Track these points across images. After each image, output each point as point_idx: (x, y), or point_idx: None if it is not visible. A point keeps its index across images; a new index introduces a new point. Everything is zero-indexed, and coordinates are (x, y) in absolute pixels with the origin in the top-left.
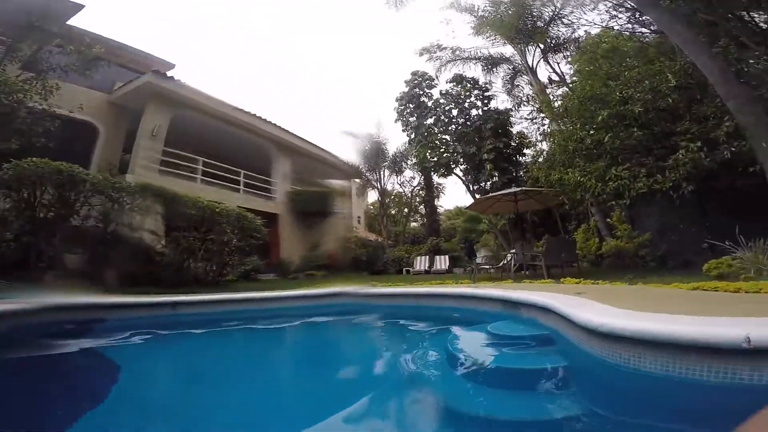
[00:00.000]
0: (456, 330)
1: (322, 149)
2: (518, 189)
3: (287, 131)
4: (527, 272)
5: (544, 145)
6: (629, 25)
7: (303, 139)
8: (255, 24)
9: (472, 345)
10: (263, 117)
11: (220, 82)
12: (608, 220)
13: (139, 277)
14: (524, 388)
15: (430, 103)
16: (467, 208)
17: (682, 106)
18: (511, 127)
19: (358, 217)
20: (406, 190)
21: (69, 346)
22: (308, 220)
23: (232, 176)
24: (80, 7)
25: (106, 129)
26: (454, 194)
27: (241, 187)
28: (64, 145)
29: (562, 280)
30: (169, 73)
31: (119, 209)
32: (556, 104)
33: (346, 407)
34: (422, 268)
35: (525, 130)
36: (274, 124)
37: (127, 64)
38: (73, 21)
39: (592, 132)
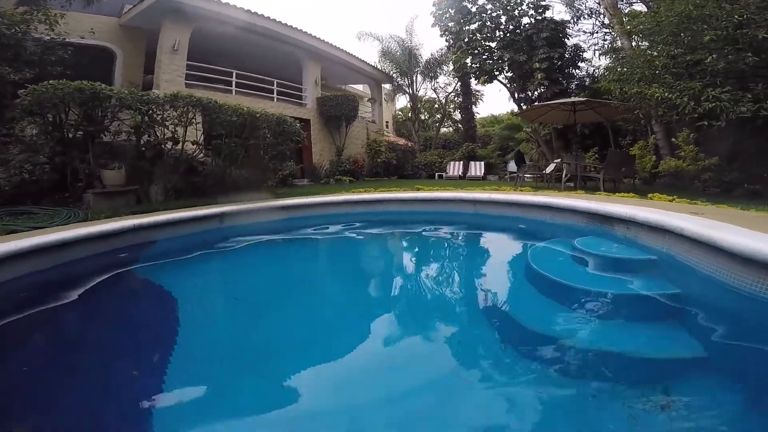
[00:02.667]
0: (534, 244)
1: (351, 54)
2: (581, 99)
3: (316, 37)
4: (577, 184)
5: (603, 60)
6: None
7: (332, 44)
8: None
9: (558, 263)
10: (292, 24)
11: None
12: (673, 139)
13: (182, 189)
14: (632, 318)
15: (474, 9)
16: (518, 113)
17: None
18: (567, 38)
19: (387, 122)
20: (440, 95)
21: (121, 274)
22: (336, 124)
23: (265, 86)
24: None
25: (123, 52)
26: (491, 104)
27: (275, 95)
28: (82, 72)
29: (649, 195)
30: None
31: (151, 121)
32: (629, 27)
33: (422, 330)
34: (456, 173)
35: (583, 44)
36: (303, 31)
37: None
38: None
39: (691, 50)
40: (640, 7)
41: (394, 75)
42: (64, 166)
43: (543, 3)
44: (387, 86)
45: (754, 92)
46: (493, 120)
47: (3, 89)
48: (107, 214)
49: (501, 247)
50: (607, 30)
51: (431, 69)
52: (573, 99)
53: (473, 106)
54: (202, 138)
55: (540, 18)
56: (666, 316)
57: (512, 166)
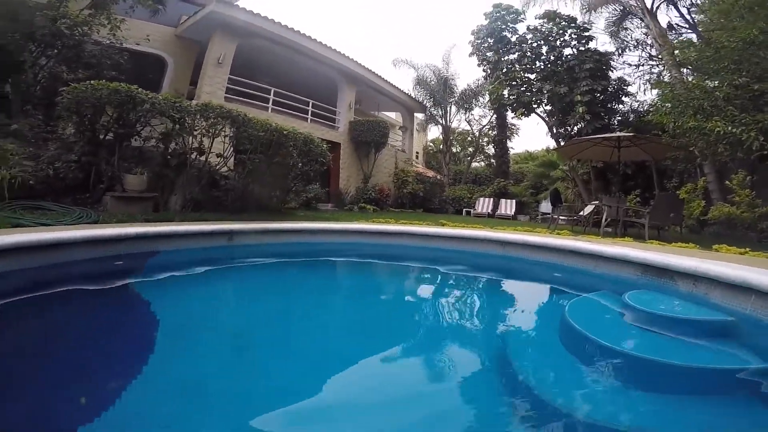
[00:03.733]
0: (567, 296)
1: (386, 80)
2: (627, 134)
3: (353, 60)
4: (618, 230)
5: (650, 95)
6: None
7: (368, 68)
8: None
9: (602, 320)
10: (331, 46)
11: (285, 9)
12: (726, 182)
13: (202, 202)
14: (698, 397)
15: (513, 39)
16: (557, 149)
17: None
18: (612, 71)
19: (416, 152)
20: (474, 128)
21: (114, 284)
22: (365, 150)
23: (300, 105)
24: None
25: (174, 61)
26: (526, 139)
27: (309, 116)
28: (134, 77)
29: (715, 247)
30: (239, 4)
31: (181, 129)
32: (681, 57)
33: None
34: (485, 210)
35: (627, 77)
36: (341, 53)
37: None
38: None
39: (758, 79)
40: (691, 36)
41: (428, 104)
42: (90, 166)
43: (586, 34)
44: (420, 115)
45: None
46: (528, 157)
47: (55, 87)
48: (119, 219)
49: (531, 297)
50: (654, 63)
51: (466, 100)
52: (618, 134)
53: (508, 141)
54: (229, 151)
55: (583, 49)
56: (747, 396)
57: (546, 206)
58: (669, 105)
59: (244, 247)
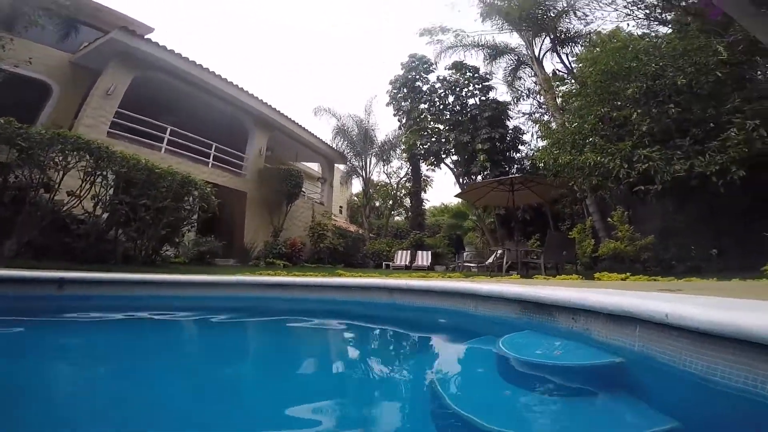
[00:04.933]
0: (444, 348)
1: (305, 129)
2: (516, 174)
3: (266, 104)
4: (518, 272)
5: (541, 143)
6: (646, 22)
7: (284, 115)
8: None
9: (474, 378)
10: (242, 87)
11: (200, 47)
12: (609, 219)
13: (47, 248)
14: None
15: (425, 88)
16: (458, 194)
17: (730, 83)
18: (509, 120)
19: (340, 207)
20: (392, 180)
21: None
22: (276, 201)
23: (202, 148)
24: None
25: (61, 89)
26: (441, 191)
27: (211, 160)
28: (7, 102)
29: (596, 275)
30: (146, 37)
31: (27, 161)
32: (560, 94)
33: None
34: (403, 262)
35: (522, 126)
36: (252, 95)
37: (102, 27)
38: None
39: (617, 108)
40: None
41: (349, 155)
42: None
43: (487, 84)
44: (341, 167)
45: (683, 148)
46: (443, 209)
47: None
48: None
49: (403, 352)
50: (543, 110)
51: (385, 152)
52: (511, 176)
53: (423, 192)
54: (86, 190)
55: (484, 98)
56: None
57: (466, 255)
58: (548, 142)
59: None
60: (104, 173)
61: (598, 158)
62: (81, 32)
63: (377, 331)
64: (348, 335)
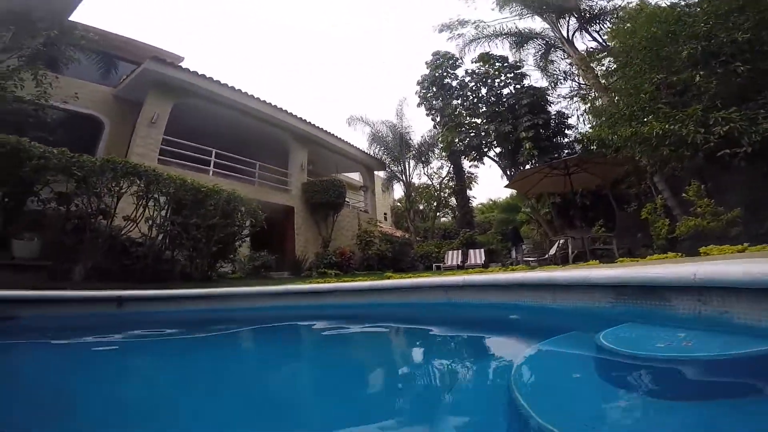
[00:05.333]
0: (518, 350)
1: (341, 139)
2: (572, 156)
3: (304, 120)
4: (587, 260)
5: (589, 126)
6: None
7: (321, 128)
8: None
9: (566, 384)
10: (279, 105)
11: (234, 72)
12: (683, 195)
13: (110, 272)
14: None
15: (454, 84)
16: (508, 185)
17: None
18: (549, 105)
19: (385, 213)
20: (434, 181)
21: None
22: (323, 214)
23: (246, 168)
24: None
25: (111, 123)
26: (487, 187)
27: (256, 179)
28: (67, 140)
29: (702, 250)
30: (178, 65)
31: (85, 189)
32: (602, 70)
33: None
34: (455, 263)
35: (565, 111)
36: (288, 112)
37: (137, 60)
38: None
39: (674, 73)
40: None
41: (387, 161)
42: None
43: (519, 71)
44: (381, 174)
45: (767, 107)
46: (493, 206)
47: None
48: None
49: (473, 356)
50: (584, 91)
51: (423, 153)
52: (562, 159)
53: (468, 189)
54: (140, 214)
55: (519, 87)
56: None
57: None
58: (601, 119)
59: (137, 315)
60: (155, 196)
61: (667, 126)
62: (120, 68)
63: (445, 334)
64: (397, 341)
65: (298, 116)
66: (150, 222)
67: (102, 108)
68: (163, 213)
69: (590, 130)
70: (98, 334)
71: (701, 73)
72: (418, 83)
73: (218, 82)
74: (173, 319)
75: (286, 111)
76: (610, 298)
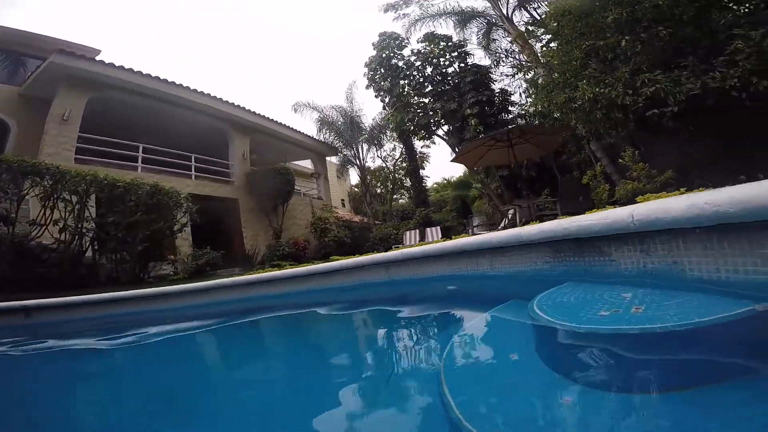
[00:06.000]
0: (455, 326)
1: (286, 126)
2: (512, 126)
3: (242, 108)
4: None
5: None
6: None
7: (262, 116)
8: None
9: (496, 373)
10: (213, 94)
11: (167, 61)
12: (620, 161)
13: (22, 281)
14: None
15: (401, 64)
16: (454, 159)
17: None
18: (493, 83)
19: (342, 200)
20: (388, 163)
21: None
22: (272, 204)
23: (182, 161)
24: None
25: (19, 124)
26: (441, 167)
27: (193, 172)
28: None
29: (638, 199)
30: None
31: None
32: (540, 44)
33: None
34: (412, 242)
35: (508, 88)
36: (224, 101)
37: (47, 56)
38: None
39: (602, 38)
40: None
41: (339, 146)
42: None
43: (463, 50)
44: (334, 160)
45: (688, 68)
46: (446, 184)
47: None
48: None
49: (409, 338)
50: (525, 67)
51: (375, 136)
52: (504, 129)
53: (421, 169)
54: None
55: (464, 65)
56: None
57: (477, 220)
58: (539, 87)
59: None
60: (64, 196)
61: (597, 90)
62: (30, 66)
63: (369, 316)
64: (336, 325)
65: (236, 104)
66: (61, 224)
67: (7, 109)
68: (77, 214)
69: (530, 98)
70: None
71: (627, 38)
72: (366, 65)
73: (139, 72)
74: (93, 326)
75: (221, 99)
76: (547, 257)
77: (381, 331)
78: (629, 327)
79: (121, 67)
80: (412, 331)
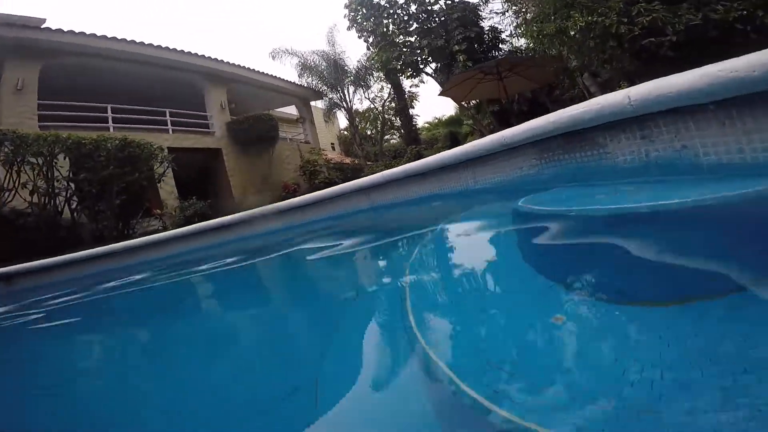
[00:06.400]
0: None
1: (264, 73)
2: (501, 56)
3: (214, 59)
4: None
5: (522, 41)
6: None
7: (236, 65)
8: None
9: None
10: (180, 48)
11: (146, 23)
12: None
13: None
14: None
15: (383, 3)
16: (442, 92)
17: None
18: (482, 21)
19: (332, 143)
20: (377, 104)
21: None
22: (257, 150)
23: (157, 117)
24: None
25: None
26: (432, 107)
27: (169, 126)
28: None
29: None
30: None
31: None
32: None
33: None
34: None
35: (498, 26)
36: (195, 53)
37: None
38: None
39: None
40: None
41: (324, 90)
42: None
43: None
44: (320, 105)
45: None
46: (438, 123)
47: None
48: None
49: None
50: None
51: (361, 77)
52: (493, 60)
53: (410, 108)
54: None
55: (450, 2)
56: None
57: None
58: (529, 16)
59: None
60: (29, 159)
61: (590, 18)
62: None
63: (364, 245)
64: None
65: (206, 56)
66: (30, 186)
67: None
68: (45, 175)
69: (520, 33)
70: None
71: None
72: (346, 6)
73: (93, 35)
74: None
75: (189, 53)
76: (533, 159)
77: (348, 259)
78: (636, 205)
79: (71, 32)
80: (383, 254)
